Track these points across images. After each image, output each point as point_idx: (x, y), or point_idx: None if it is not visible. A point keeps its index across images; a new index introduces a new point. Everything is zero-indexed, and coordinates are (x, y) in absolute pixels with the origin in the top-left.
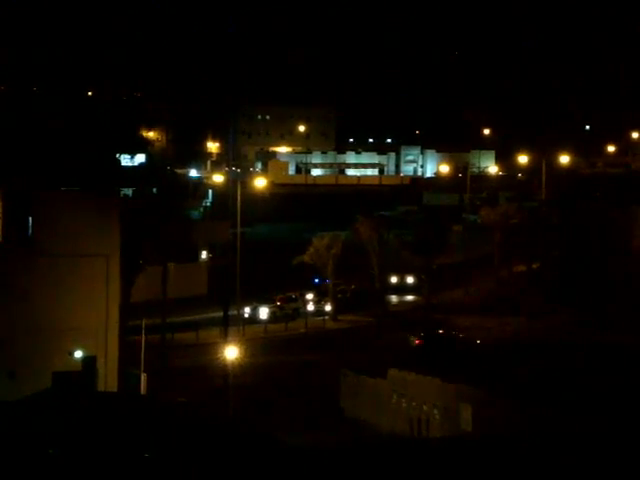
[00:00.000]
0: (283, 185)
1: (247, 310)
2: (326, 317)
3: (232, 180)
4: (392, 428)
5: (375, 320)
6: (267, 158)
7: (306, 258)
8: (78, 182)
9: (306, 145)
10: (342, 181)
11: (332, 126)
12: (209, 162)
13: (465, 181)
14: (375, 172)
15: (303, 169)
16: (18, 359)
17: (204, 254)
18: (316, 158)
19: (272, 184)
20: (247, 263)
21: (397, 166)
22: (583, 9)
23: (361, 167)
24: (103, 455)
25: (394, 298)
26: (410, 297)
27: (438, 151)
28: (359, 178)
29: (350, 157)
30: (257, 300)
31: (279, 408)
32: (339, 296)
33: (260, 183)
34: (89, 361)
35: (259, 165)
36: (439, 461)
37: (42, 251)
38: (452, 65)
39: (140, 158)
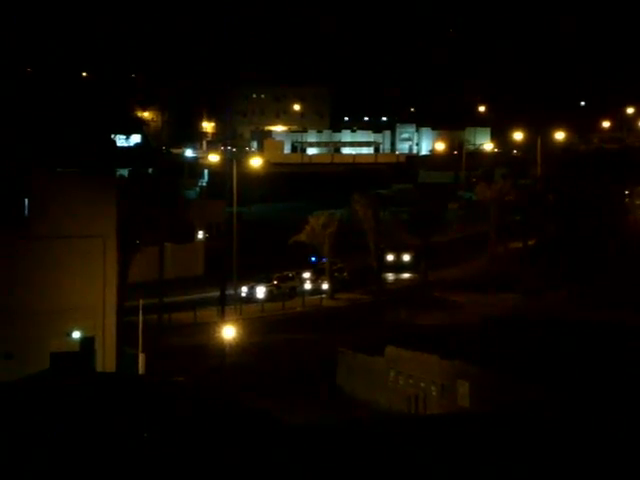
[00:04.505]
0: (279, 164)
1: (244, 289)
2: (323, 295)
3: (228, 159)
4: (390, 405)
5: (372, 298)
6: (263, 137)
7: (302, 237)
8: (74, 163)
9: (301, 124)
10: (338, 160)
11: (327, 105)
12: (204, 142)
13: (460, 158)
14: (370, 150)
15: (299, 148)
16: (16, 340)
17: (200, 234)
18: (311, 137)
19: (268, 163)
20: (244, 242)
21: (392, 144)
22: None
23: (356, 145)
24: (101, 435)
25: (390, 276)
26: (406, 275)
27: (433, 129)
28: (354, 156)
29: (345, 135)
30: (254, 279)
31: (276, 387)
32: (336, 274)
33: (256, 162)
34: (87, 342)
35: (255, 144)
36: (436, 438)
37: (38, 232)
38: (447, 42)
39: (135, 138)
